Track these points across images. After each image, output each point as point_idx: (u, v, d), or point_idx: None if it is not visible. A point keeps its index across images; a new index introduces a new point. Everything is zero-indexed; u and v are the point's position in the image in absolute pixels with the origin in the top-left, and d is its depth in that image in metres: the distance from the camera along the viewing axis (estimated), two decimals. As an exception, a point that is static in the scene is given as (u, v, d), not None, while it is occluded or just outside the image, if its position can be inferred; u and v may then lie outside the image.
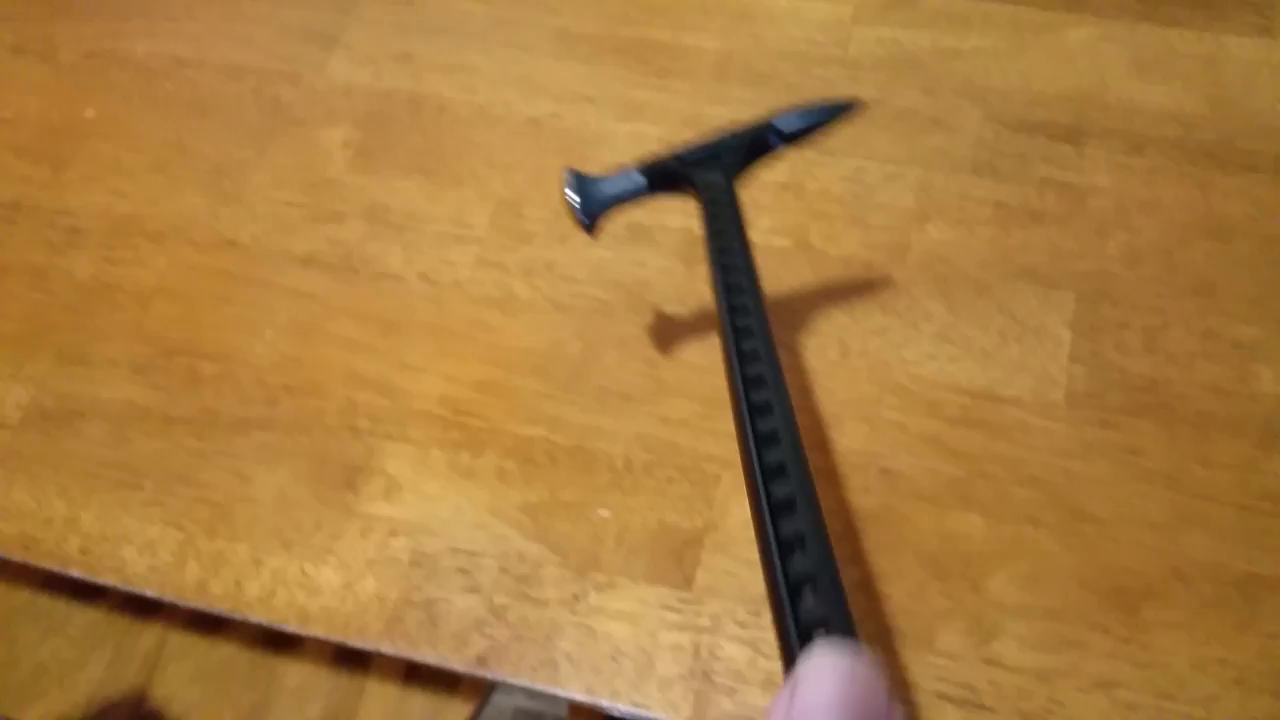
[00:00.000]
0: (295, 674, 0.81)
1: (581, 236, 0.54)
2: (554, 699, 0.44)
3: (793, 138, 0.47)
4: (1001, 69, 0.58)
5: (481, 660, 0.45)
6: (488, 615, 0.46)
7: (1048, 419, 0.48)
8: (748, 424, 0.30)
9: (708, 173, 0.44)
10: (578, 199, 0.43)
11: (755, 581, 0.46)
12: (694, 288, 0.53)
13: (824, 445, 0.48)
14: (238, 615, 0.47)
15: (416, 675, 0.72)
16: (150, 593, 0.48)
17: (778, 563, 0.25)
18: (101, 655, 0.85)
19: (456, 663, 0.45)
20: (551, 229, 0.56)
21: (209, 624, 0.66)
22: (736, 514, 0.47)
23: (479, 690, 0.69)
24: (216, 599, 0.48)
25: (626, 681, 0.44)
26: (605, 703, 0.44)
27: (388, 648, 0.46)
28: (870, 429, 0.49)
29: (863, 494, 0.47)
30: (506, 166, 0.58)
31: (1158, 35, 0.59)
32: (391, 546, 0.48)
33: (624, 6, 0.63)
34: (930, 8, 0.61)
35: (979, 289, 0.52)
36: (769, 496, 0.27)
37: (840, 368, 0.50)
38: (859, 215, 0.55)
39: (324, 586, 0.47)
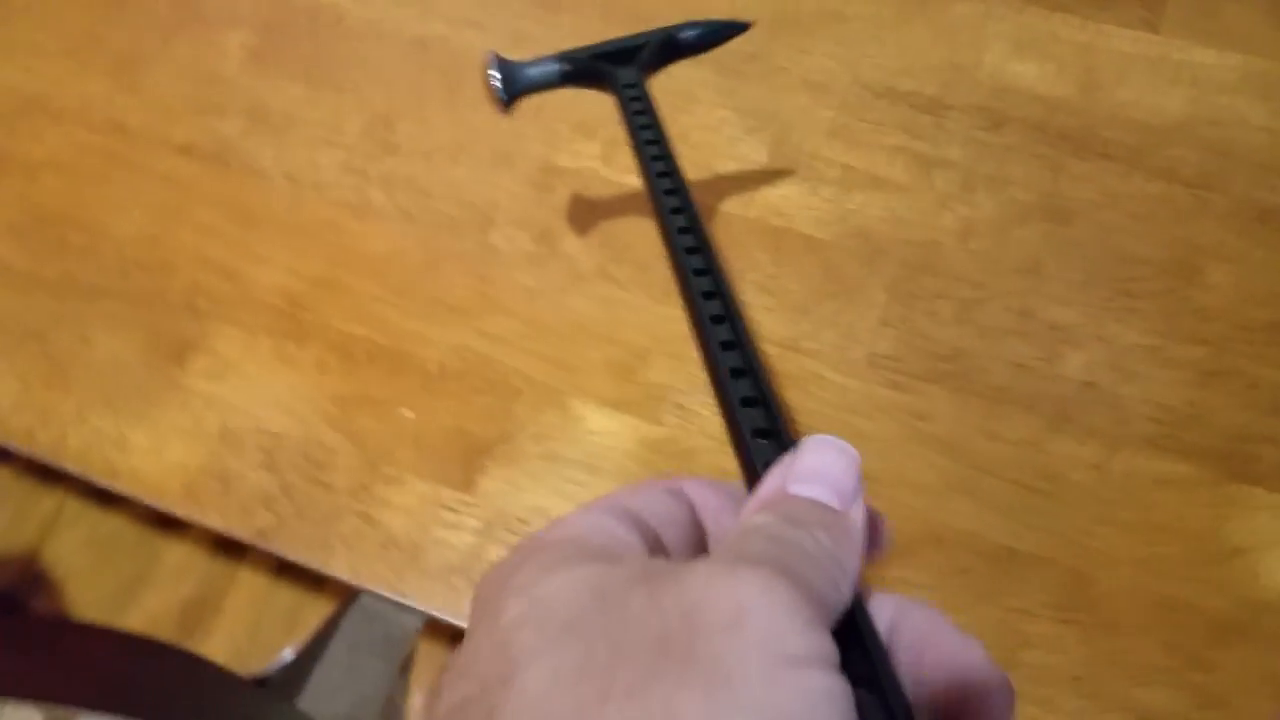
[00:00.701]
0: (176, 553, 0.85)
1: (443, 154, 0.56)
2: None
3: (694, 46, 0.49)
4: (880, 37, 0.59)
5: (262, 533, 0.47)
6: (278, 493, 0.48)
7: (845, 375, 0.49)
8: (697, 297, 0.32)
9: (623, 69, 0.46)
10: (499, 77, 0.45)
11: (532, 494, 0.47)
12: (540, 214, 0.55)
13: (629, 374, 0.50)
14: (56, 464, 0.50)
15: (287, 571, 0.74)
16: (-22, 437, 0.51)
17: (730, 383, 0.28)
18: (2, 514, 0.89)
19: (240, 531, 0.48)
20: (418, 145, 0.58)
21: (104, 497, 0.69)
22: (531, 429, 0.49)
23: (343, 593, 0.72)
24: (40, 446, 0.50)
25: (391, 569, 0.46)
26: (368, 586, 0.46)
27: (179, 510, 0.48)
28: (675, 364, 0.50)
29: (657, 425, 0.49)
30: (388, 81, 0.60)
31: (1042, 18, 0.59)
32: (204, 420, 0.50)
33: (533, -59, 0.65)
34: (825, -31, 0.61)
35: (808, 246, 0.53)
36: (726, 363, 0.29)
37: (661, 304, 0.52)
38: (711, 163, 0.56)
39: (135, 448, 0.50)
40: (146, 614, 0.82)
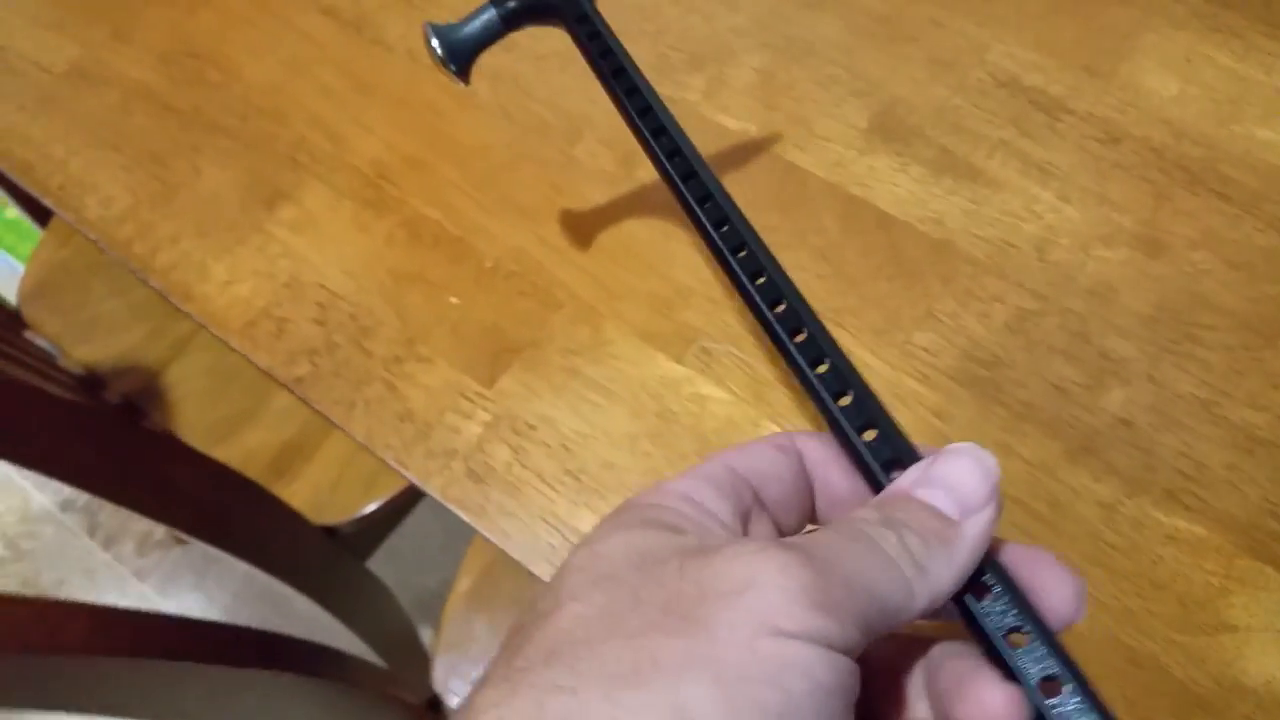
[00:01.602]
0: (284, 399, 0.92)
1: (556, 59, 0.57)
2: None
3: None
4: (1022, 25, 0.56)
5: (299, 381, 0.51)
6: (321, 347, 0.52)
7: (875, 357, 0.49)
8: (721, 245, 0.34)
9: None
10: (444, 50, 0.43)
11: (546, 403, 0.49)
12: (628, 137, 0.55)
13: (666, 309, 0.51)
14: (140, 274, 0.55)
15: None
16: (91, 235, 0.57)
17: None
18: (144, 326, 0.98)
19: (280, 374, 0.51)
20: (535, 46, 0.59)
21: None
22: (561, 341, 0.51)
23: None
24: (134, 255, 0.56)
25: (400, 440, 0.49)
26: (377, 450, 0.49)
27: (234, 342, 0.53)
28: (712, 309, 0.51)
29: (678, 365, 0.49)
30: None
31: (1201, 37, 0.55)
32: (277, 265, 0.54)
33: None
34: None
35: (880, 222, 0.52)
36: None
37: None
38: (808, 119, 0.55)
39: (213, 278, 0.54)
40: (245, 449, 0.90)
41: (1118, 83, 0.54)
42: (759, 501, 0.25)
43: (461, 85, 0.46)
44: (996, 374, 0.48)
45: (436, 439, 0.49)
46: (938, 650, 0.24)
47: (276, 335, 0.52)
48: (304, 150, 0.57)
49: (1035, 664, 0.22)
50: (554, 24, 0.45)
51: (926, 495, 0.23)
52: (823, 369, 0.29)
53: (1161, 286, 0.49)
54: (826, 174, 0.54)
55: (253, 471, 0.87)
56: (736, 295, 0.33)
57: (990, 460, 0.24)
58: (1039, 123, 0.53)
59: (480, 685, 0.20)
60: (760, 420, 0.48)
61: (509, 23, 0.44)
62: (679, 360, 0.50)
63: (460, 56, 0.44)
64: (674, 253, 0.52)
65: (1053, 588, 0.23)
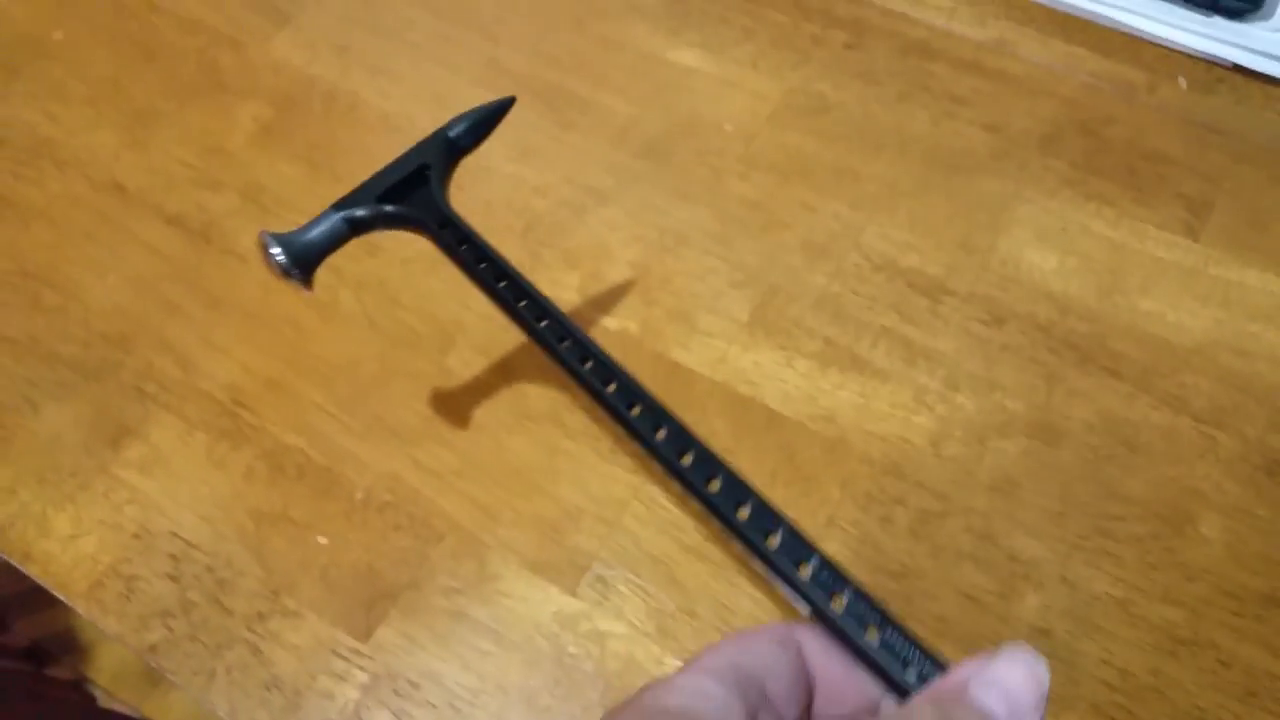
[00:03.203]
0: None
1: (423, 261, 0.54)
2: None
3: (469, 140, 0.46)
4: (894, 204, 0.55)
5: (153, 649, 0.46)
6: (176, 607, 0.47)
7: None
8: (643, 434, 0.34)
9: (419, 199, 0.42)
10: (285, 257, 0.41)
11: (430, 654, 0.45)
12: (504, 341, 0.53)
13: (556, 534, 0.47)
14: (-28, 536, 0.49)
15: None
16: (-90, 493, 0.51)
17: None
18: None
19: (131, 643, 0.46)
20: (401, 249, 0.56)
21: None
22: (443, 580, 0.47)
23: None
24: (-37, 515, 0.50)
25: (269, 713, 0.44)
26: (242, 725, 0.44)
27: (80, 608, 0.47)
28: (606, 531, 0.47)
29: (573, 598, 0.46)
30: (386, 178, 0.59)
31: (1074, 205, 0.55)
32: (124, 512, 0.49)
33: (559, 50, 0.63)
34: (850, 123, 0.58)
35: (771, 422, 0.50)
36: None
37: (607, 462, 0.49)
38: (689, 314, 0.53)
39: (54, 531, 0.49)
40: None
41: (996, 258, 0.53)
42: (764, 696, 0.26)
43: (306, 292, 0.43)
44: (906, 586, 0.45)
45: (309, 708, 0.44)
46: None
47: (126, 596, 0.47)
48: (151, 378, 0.53)
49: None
50: (410, 230, 0.42)
51: (982, 695, 0.24)
52: (806, 571, 0.29)
53: (1064, 476, 0.48)
54: (712, 372, 0.51)
55: None
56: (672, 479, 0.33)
57: (1043, 669, 0.25)
58: (920, 307, 0.52)
59: None
60: (664, 657, 0.45)
61: (357, 229, 0.42)
62: (573, 592, 0.46)
63: (305, 263, 0.41)
64: (560, 469, 0.49)
65: None
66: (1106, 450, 0.48)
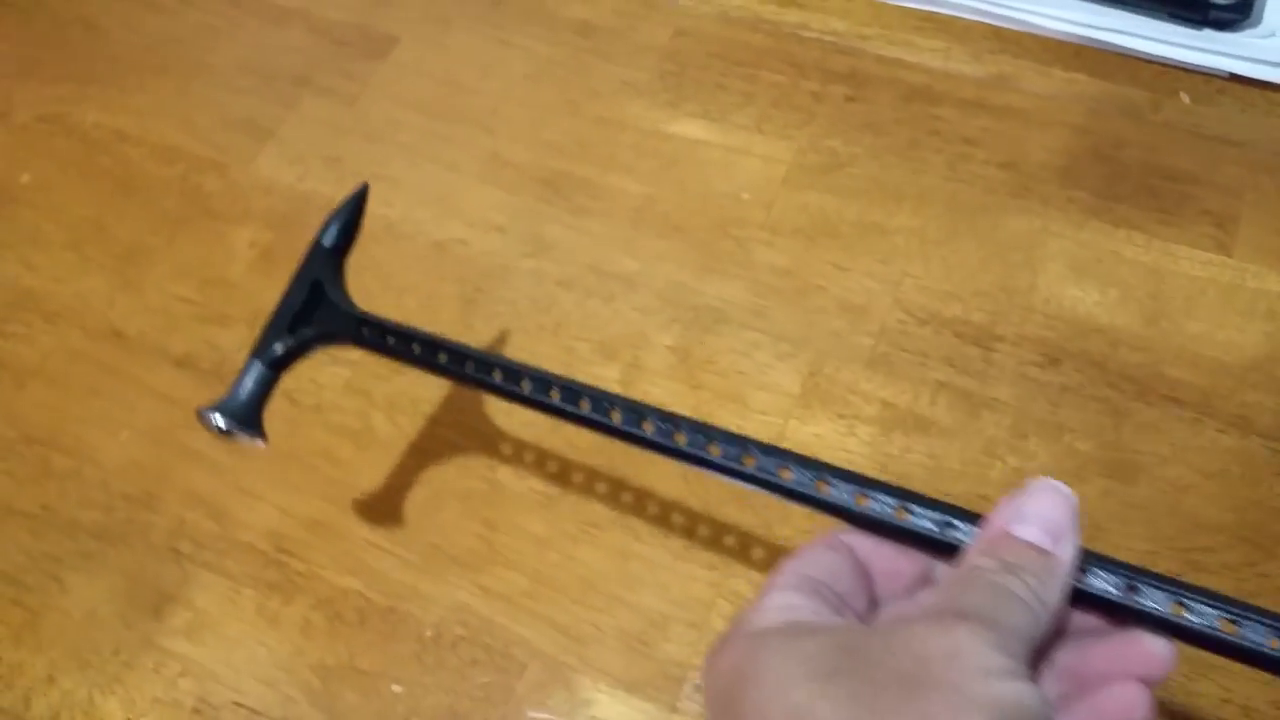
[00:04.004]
0: None
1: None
2: None
3: (345, 241, 0.46)
4: (925, 253, 0.55)
5: (232, 830, 0.43)
6: (251, 783, 0.44)
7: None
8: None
9: (326, 314, 0.43)
10: (231, 424, 0.41)
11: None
12: (553, 445, 0.51)
13: (644, 647, 0.45)
14: (16, 735, 0.46)
15: None
16: (-60, 695, 0.47)
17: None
18: None
19: (208, 828, 0.43)
20: (427, 364, 0.54)
21: None
22: (533, 714, 0.44)
23: None
24: (1, 712, 0.46)
25: None
26: None
27: (146, 799, 0.44)
28: (697, 636, 0.45)
29: (673, 713, 0.44)
30: (400, 289, 0.57)
31: (1104, 234, 0.54)
32: (179, 687, 0.46)
33: (560, 136, 0.61)
34: (867, 176, 0.57)
35: (845, 498, 0.48)
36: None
37: (682, 560, 0.47)
38: (740, 393, 0.51)
39: (106, 718, 0.46)
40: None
41: (1038, 298, 0.53)
42: (836, 595, 0.29)
43: (262, 444, 0.43)
44: (1014, 651, 0.44)
45: None
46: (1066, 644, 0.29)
47: (193, 779, 0.44)
48: (185, 536, 0.50)
49: (1161, 602, 0.27)
50: (334, 344, 0.43)
51: (1024, 532, 0.27)
52: (828, 491, 0.31)
53: (1147, 514, 0.47)
54: (773, 452, 0.50)
55: None
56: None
57: (1067, 490, 0.28)
58: (972, 356, 0.51)
59: None
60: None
61: (283, 366, 0.43)
62: (674, 707, 0.44)
63: (249, 420, 0.42)
64: (635, 575, 0.47)
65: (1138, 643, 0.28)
66: (1184, 481, 0.47)
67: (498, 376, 0.37)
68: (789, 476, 0.32)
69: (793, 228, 0.56)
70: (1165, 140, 0.57)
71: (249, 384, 0.42)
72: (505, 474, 0.51)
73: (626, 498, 0.49)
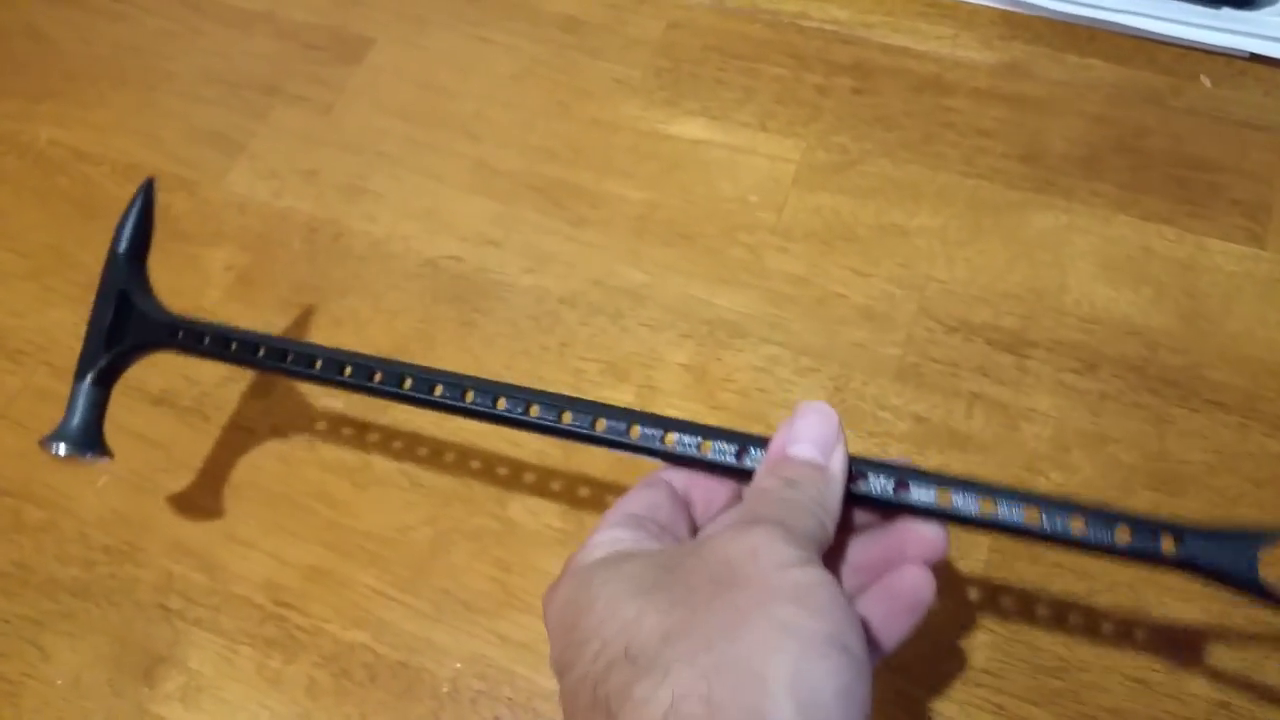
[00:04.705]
0: None
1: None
2: None
3: (141, 243, 0.44)
4: (948, 254, 0.52)
5: None
6: None
7: (938, 698, 0.42)
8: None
9: (138, 323, 0.42)
10: (71, 448, 0.41)
11: None
12: (565, 471, 0.48)
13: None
14: (-1, 820, 0.42)
15: None
16: (-87, 779, 0.43)
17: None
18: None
19: None
20: (425, 392, 0.50)
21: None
22: (562, 769, 0.41)
23: None
24: (-19, 797, 0.43)
25: None
26: None
27: None
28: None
29: None
30: (392, 312, 0.53)
31: (1133, 229, 0.52)
32: (177, 760, 0.43)
33: (551, 140, 0.58)
34: (881, 174, 0.54)
35: (881, 522, 0.45)
36: None
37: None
38: (763, 413, 0.49)
39: (97, 799, 0.42)
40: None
41: (1070, 299, 0.50)
42: (659, 525, 0.32)
43: (106, 460, 0.43)
44: (1070, 681, 0.41)
45: None
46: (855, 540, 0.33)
47: None
48: (173, 591, 0.46)
49: (924, 493, 0.31)
50: (155, 351, 0.42)
51: (798, 451, 0.31)
52: (636, 432, 0.34)
53: (1200, 527, 0.44)
54: (801, 474, 0.47)
55: None
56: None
57: (828, 408, 0.32)
58: (1006, 365, 0.49)
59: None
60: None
61: (110, 380, 0.42)
62: None
63: (91, 441, 0.42)
64: (661, 616, 0.44)
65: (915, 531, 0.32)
66: (1234, 491, 0.45)
67: (318, 367, 0.37)
68: (602, 426, 0.35)
69: (806, 231, 0.53)
70: (1189, 127, 0.55)
71: (81, 407, 0.42)
72: (517, 509, 0.47)
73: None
